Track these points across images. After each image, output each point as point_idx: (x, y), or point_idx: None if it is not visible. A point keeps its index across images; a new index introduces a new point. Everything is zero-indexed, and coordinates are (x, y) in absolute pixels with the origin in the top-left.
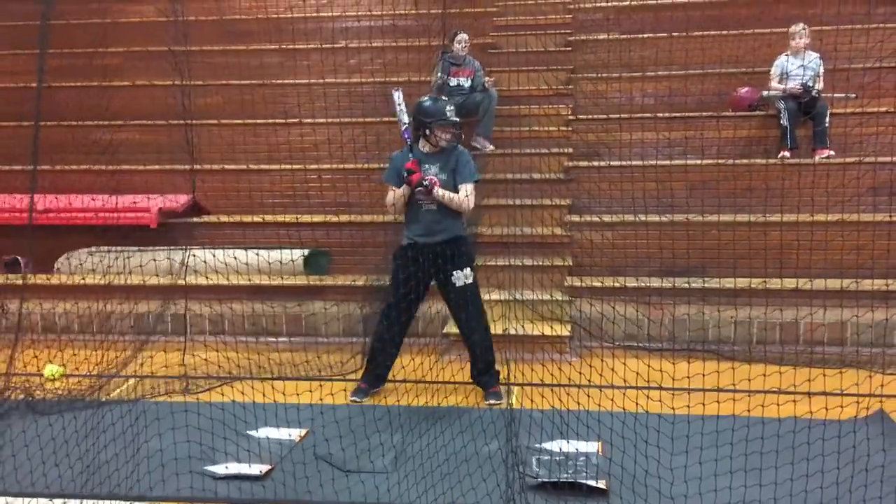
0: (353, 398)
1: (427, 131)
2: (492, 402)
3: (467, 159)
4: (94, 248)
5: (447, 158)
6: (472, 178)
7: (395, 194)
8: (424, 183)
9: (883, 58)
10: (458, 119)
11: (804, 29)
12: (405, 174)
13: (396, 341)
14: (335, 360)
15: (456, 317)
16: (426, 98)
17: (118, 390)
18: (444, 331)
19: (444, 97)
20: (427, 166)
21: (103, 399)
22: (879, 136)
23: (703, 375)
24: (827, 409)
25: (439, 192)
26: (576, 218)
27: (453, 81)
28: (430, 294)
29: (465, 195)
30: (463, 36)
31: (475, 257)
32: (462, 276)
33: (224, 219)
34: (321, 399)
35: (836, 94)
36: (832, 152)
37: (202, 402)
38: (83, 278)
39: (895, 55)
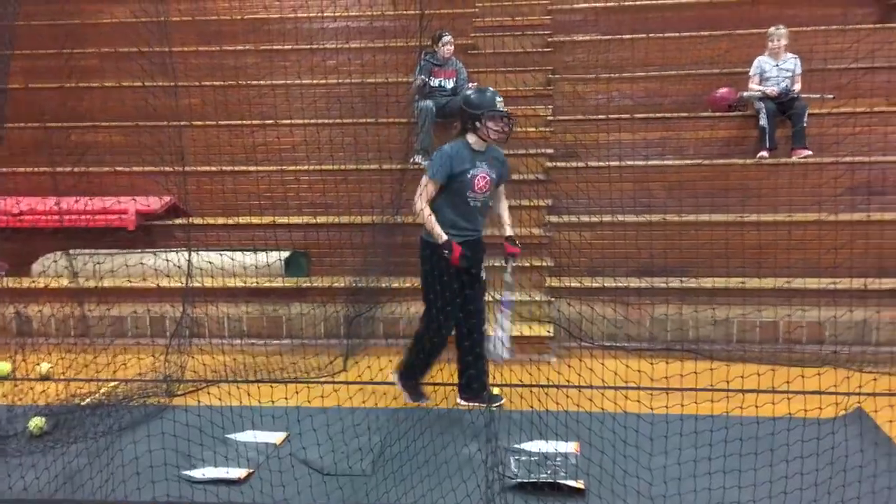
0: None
1: (478, 123)
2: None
3: (505, 158)
4: (76, 251)
5: (490, 155)
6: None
7: (430, 217)
8: (468, 269)
9: (859, 58)
10: (507, 111)
11: (781, 30)
12: (445, 252)
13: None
14: (316, 363)
15: (478, 310)
16: (471, 90)
17: (97, 394)
18: None
19: (490, 88)
20: (479, 163)
21: (82, 403)
22: (857, 137)
23: (682, 375)
24: (806, 410)
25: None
26: (555, 218)
27: (435, 82)
28: (408, 294)
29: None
30: (448, 38)
31: None
32: (484, 270)
33: (206, 221)
34: (301, 403)
35: (813, 95)
36: (810, 152)
37: (181, 407)
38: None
39: (871, 56)
